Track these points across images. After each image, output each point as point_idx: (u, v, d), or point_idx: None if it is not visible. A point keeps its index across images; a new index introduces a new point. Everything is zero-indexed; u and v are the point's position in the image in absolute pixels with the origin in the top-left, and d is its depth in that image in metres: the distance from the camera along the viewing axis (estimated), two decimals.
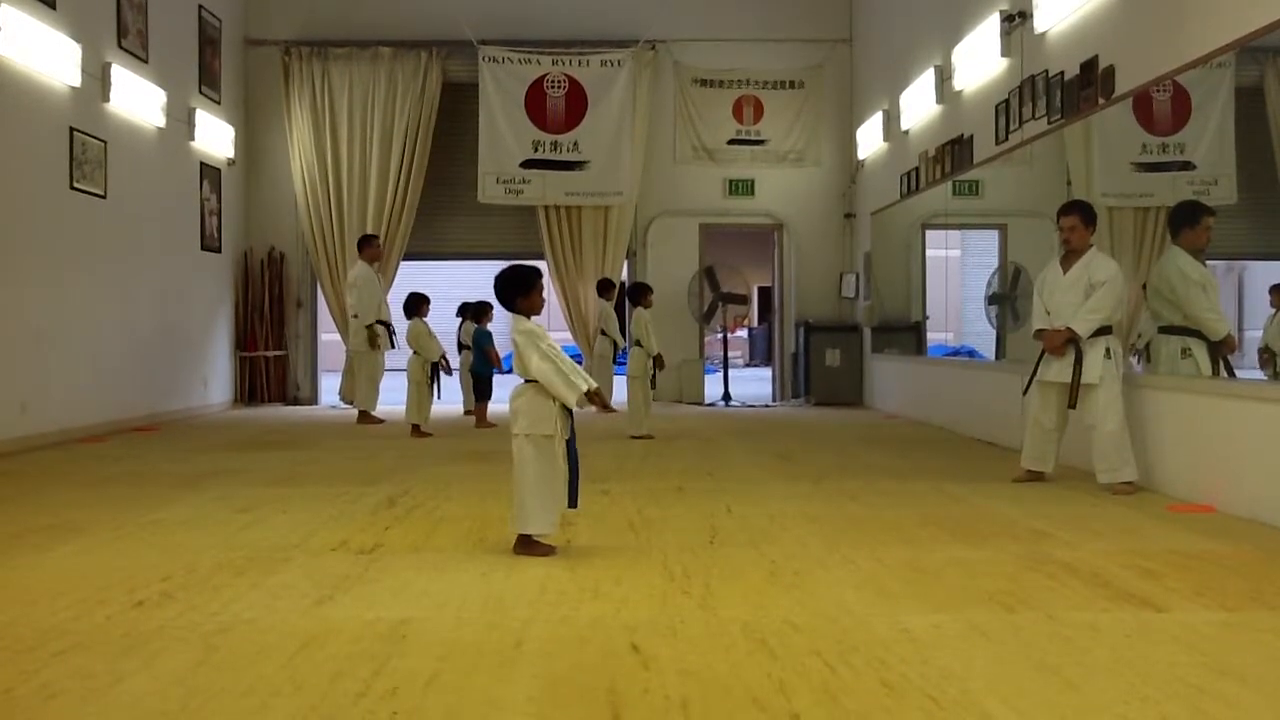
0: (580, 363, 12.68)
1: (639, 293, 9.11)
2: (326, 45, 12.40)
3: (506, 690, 2.56)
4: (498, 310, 10.74)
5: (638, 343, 8.81)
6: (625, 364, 9.28)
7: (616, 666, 2.72)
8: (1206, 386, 5.36)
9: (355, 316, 10.11)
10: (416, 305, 9.35)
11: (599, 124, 12.45)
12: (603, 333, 11.31)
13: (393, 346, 10.20)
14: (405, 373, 9.21)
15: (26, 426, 7.77)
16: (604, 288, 11.46)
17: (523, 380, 4.07)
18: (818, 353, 12.40)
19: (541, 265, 12.59)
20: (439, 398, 9.42)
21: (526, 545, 4.01)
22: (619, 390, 11.44)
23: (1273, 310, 6.08)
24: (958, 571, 3.77)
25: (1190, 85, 5.89)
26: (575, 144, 12.44)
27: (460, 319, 11.23)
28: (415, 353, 9.15)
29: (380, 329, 10.05)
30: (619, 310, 11.42)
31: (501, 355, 10.45)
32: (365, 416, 10.04)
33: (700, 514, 4.96)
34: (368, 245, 10.28)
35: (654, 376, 8.96)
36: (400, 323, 9.75)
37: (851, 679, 2.61)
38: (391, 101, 12.36)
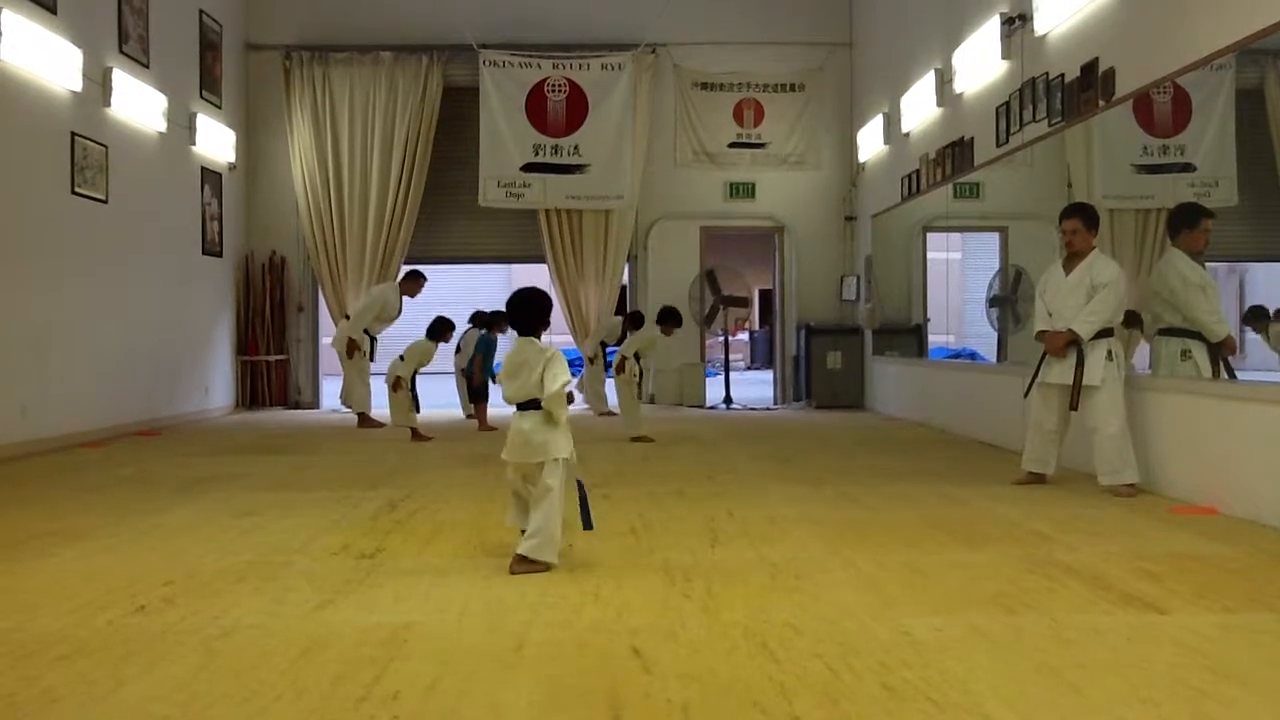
0: (580, 369, 12.78)
1: (669, 319, 8.92)
2: (327, 50, 12.42)
3: (508, 694, 2.55)
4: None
5: (636, 356, 8.77)
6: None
7: (617, 670, 2.72)
8: (1208, 388, 5.36)
9: (347, 318, 10.02)
10: (441, 330, 9.37)
11: (600, 127, 12.46)
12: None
13: (370, 359, 10.15)
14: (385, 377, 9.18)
15: (27, 431, 7.78)
16: (635, 320, 10.93)
17: (531, 406, 3.89)
18: (819, 355, 12.40)
19: (542, 269, 12.72)
20: (418, 411, 9.24)
21: (526, 561, 3.81)
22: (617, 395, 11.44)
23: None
24: (959, 574, 3.77)
25: (1191, 87, 5.89)
26: (576, 147, 12.45)
27: (470, 326, 11.21)
28: (401, 358, 9.10)
29: (363, 338, 10.00)
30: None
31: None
32: (365, 419, 10.04)
33: (701, 517, 4.96)
34: (410, 280, 10.21)
35: (640, 383, 8.91)
36: (409, 339, 9.57)
37: (853, 682, 2.61)
38: (392, 106, 12.38)
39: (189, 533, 4.66)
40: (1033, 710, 2.42)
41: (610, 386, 10.51)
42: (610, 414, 11.07)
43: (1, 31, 7.51)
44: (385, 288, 10.24)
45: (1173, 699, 2.49)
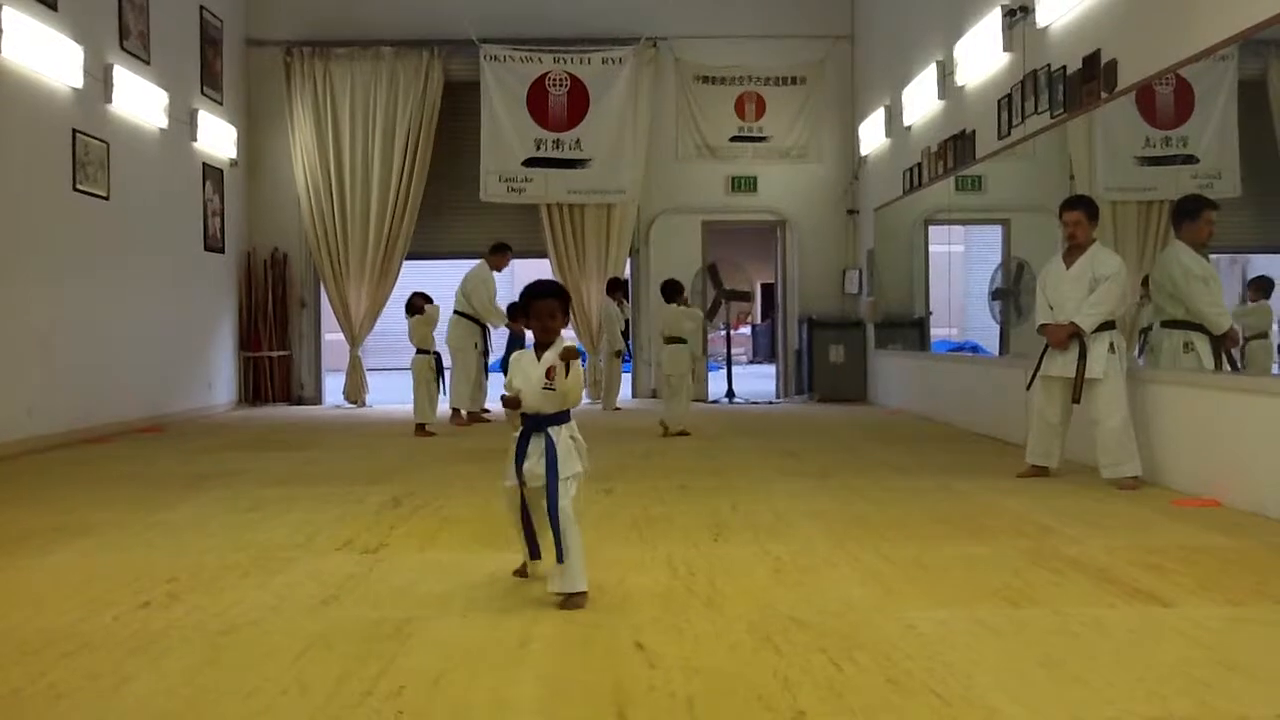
0: (584, 361, 12.77)
1: (677, 291, 8.88)
2: (328, 45, 12.39)
3: (512, 690, 2.56)
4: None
5: (680, 339, 8.70)
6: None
7: (622, 665, 2.72)
8: (1211, 380, 5.35)
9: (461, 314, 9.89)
10: (419, 304, 9.35)
11: (601, 122, 12.44)
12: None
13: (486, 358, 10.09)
14: (410, 372, 9.21)
15: (31, 428, 7.78)
16: (613, 287, 11.32)
17: (558, 412, 3.37)
18: (821, 349, 12.40)
19: (544, 264, 12.71)
20: (445, 394, 9.42)
21: (573, 598, 3.27)
22: (625, 390, 11.48)
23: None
24: (963, 567, 3.77)
25: (1193, 78, 5.88)
26: (577, 142, 12.44)
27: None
28: (419, 352, 9.15)
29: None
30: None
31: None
32: (457, 416, 9.83)
33: (705, 511, 4.96)
34: (497, 253, 10.03)
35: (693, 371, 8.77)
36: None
37: (857, 676, 2.61)
38: (393, 101, 12.36)
39: (193, 529, 4.66)
40: (1037, 703, 2.42)
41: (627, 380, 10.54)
42: (618, 409, 11.14)
43: (2, 28, 7.49)
44: (479, 268, 9.94)
45: (1177, 691, 2.49)
